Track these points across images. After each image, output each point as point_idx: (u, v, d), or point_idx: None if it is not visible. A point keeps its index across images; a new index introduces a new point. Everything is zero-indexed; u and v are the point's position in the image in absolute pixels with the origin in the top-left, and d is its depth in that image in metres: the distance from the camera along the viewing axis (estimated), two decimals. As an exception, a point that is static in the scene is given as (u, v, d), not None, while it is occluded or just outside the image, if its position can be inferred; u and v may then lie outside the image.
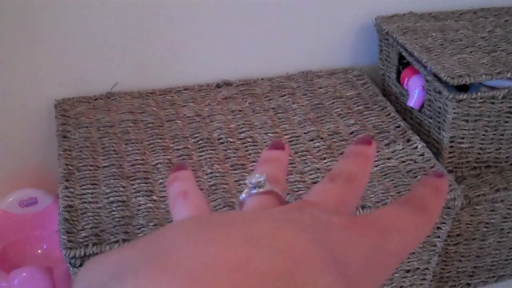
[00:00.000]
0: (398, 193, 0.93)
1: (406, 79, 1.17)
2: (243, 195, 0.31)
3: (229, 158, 1.02)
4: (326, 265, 0.21)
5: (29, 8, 1.07)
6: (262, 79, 1.22)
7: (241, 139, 1.06)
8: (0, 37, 1.08)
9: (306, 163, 1.00)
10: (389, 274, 0.25)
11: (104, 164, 1.00)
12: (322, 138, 1.06)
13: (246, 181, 0.31)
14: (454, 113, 1.04)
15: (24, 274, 1.12)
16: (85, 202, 0.93)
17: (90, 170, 0.98)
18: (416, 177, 0.97)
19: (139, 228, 0.88)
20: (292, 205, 0.27)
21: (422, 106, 1.13)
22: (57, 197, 1.22)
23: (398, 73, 1.21)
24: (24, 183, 1.21)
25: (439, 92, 1.05)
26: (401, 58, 1.19)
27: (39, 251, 1.23)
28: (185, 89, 1.19)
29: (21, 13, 1.07)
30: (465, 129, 1.07)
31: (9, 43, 1.09)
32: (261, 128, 1.09)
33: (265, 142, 1.05)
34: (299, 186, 0.95)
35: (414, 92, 1.13)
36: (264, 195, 0.30)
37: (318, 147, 1.04)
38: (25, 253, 1.22)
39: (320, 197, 0.29)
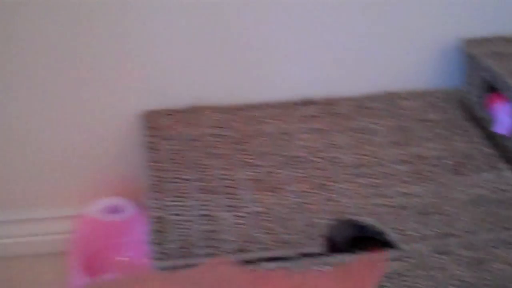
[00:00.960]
0: (487, 222, 0.92)
1: (493, 104, 1.15)
2: None
3: (313, 177, 1.02)
4: None
5: (119, 22, 1.10)
6: (345, 98, 1.22)
7: (324, 158, 1.07)
8: (91, 50, 1.12)
9: (390, 187, 1.00)
10: None
11: (190, 177, 1.02)
12: (406, 161, 1.06)
13: None
14: (546, 142, 1.01)
15: (106, 280, 1.15)
16: (173, 214, 0.95)
17: (177, 182, 1.01)
18: (506, 208, 0.95)
19: (225, 243, 0.90)
20: (205, 264, 0.28)
21: (511, 132, 1.11)
22: (142, 206, 1.26)
23: (485, 98, 1.19)
24: (110, 191, 1.25)
25: (530, 120, 1.02)
26: (488, 82, 1.17)
27: (124, 259, 1.26)
28: (268, 106, 1.20)
29: (112, 28, 1.11)
30: (556, 159, 1.04)
31: (100, 55, 1.13)
32: (344, 148, 1.09)
33: (349, 163, 1.05)
34: (384, 210, 0.95)
35: (502, 117, 1.11)
36: None
37: (402, 170, 1.03)
38: (110, 260, 1.25)
39: None
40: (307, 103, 1.21)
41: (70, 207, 1.28)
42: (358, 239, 0.93)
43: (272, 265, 0.89)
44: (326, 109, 1.20)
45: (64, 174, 1.25)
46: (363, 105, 1.21)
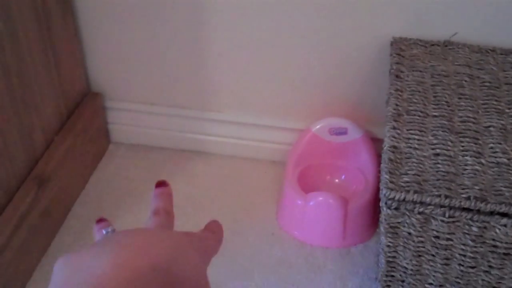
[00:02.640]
0: None
1: None
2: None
3: None
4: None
5: None
6: None
7: None
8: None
9: None
10: (210, 258, 0.41)
11: (434, 114, 0.96)
12: None
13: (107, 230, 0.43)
14: None
15: (320, 199, 1.15)
16: (410, 147, 0.90)
17: (419, 116, 0.96)
18: None
19: (463, 189, 0.84)
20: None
21: None
22: (367, 133, 1.23)
23: None
24: (338, 112, 1.24)
25: None
26: None
27: (337, 180, 1.26)
28: (529, 54, 1.09)
29: None
30: None
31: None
32: None
33: None
34: None
35: None
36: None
37: None
38: (323, 178, 1.25)
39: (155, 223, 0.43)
40: None
41: (297, 121, 1.29)
42: None
43: (505, 221, 0.83)
44: None
45: (303, 89, 1.25)
46: None
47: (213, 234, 0.44)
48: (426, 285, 0.93)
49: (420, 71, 1.04)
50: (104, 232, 0.42)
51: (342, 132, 1.22)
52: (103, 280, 0.32)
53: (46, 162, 1.16)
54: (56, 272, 0.34)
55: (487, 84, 1.02)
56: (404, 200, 0.84)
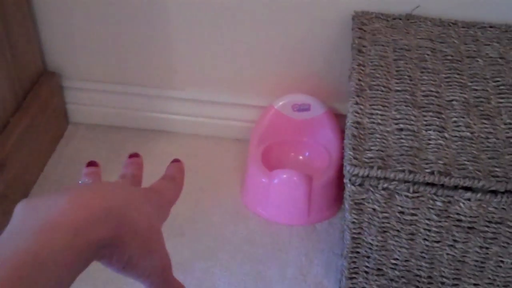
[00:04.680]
0: None
1: None
2: None
3: (532, 112, 0.92)
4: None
5: None
6: None
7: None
8: None
9: None
10: (168, 211, 0.43)
11: (397, 88, 0.95)
12: None
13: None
14: None
15: (284, 176, 1.14)
16: (373, 123, 0.90)
17: (382, 91, 0.95)
18: None
19: (426, 163, 0.83)
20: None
21: None
22: (330, 109, 1.22)
23: None
24: (301, 88, 1.22)
25: None
26: None
27: (301, 157, 1.25)
28: (490, 27, 1.09)
29: None
30: None
31: None
32: None
33: None
34: None
35: None
36: None
37: None
38: (287, 156, 1.24)
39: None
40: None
41: (260, 98, 1.27)
42: None
43: (469, 195, 0.83)
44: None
45: (265, 65, 1.23)
46: None
47: (172, 182, 0.46)
48: (392, 261, 0.93)
49: (382, 45, 1.03)
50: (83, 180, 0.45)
51: (305, 108, 1.20)
52: (59, 217, 0.33)
53: (1, 145, 1.12)
54: (16, 214, 0.35)
55: (449, 57, 1.01)
56: (368, 176, 0.83)
